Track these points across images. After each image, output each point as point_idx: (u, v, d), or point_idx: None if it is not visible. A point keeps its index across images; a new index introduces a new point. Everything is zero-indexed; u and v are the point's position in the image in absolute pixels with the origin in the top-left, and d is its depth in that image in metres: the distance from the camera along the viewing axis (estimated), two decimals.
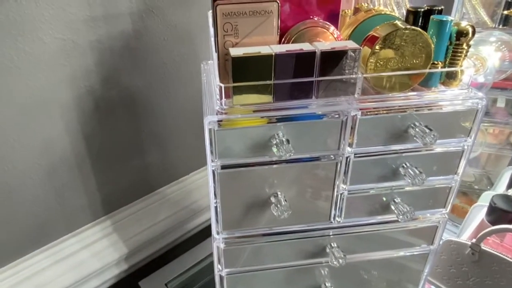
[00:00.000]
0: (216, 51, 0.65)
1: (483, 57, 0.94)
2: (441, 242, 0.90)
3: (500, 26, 1.09)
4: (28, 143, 0.86)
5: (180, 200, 1.21)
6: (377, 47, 0.61)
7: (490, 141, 1.27)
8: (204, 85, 0.76)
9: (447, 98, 0.67)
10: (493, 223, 0.87)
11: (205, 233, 1.25)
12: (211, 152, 0.64)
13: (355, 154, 0.69)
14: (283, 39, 0.67)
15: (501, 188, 1.11)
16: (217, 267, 0.80)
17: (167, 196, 1.21)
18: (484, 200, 0.94)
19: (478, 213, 0.98)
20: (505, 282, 0.82)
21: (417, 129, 0.65)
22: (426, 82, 0.67)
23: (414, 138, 0.65)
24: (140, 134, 1.07)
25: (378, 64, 0.63)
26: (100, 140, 0.98)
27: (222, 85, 0.60)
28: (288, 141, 0.62)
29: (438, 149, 0.71)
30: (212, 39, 0.67)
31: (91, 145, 0.97)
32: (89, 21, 0.85)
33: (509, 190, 0.99)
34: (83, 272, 0.99)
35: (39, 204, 0.93)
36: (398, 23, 0.63)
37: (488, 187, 1.26)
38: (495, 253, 0.82)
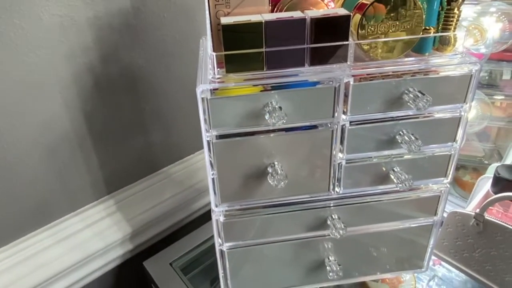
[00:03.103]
0: (209, 22, 0.68)
1: (484, 28, 0.96)
2: (445, 214, 0.93)
3: None
4: (27, 120, 0.89)
5: (185, 180, 1.25)
6: (366, 12, 0.64)
7: (499, 114, 1.29)
8: (200, 59, 0.80)
9: (441, 63, 0.70)
10: (498, 193, 0.89)
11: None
12: (205, 121, 0.67)
13: (350, 122, 0.72)
14: (275, 9, 0.70)
15: (510, 161, 1.13)
16: (217, 241, 0.83)
17: (171, 175, 1.25)
18: (491, 172, 0.96)
19: (485, 185, 1.01)
20: (510, 252, 0.84)
21: (410, 95, 0.68)
22: (419, 48, 0.70)
23: (408, 103, 0.68)
24: (142, 112, 1.10)
25: (369, 30, 0.66)
26: (101, 118, 1.02)
27: (214, 54, 0.64)
28: (280, 108, 0.65)
29: (436, 115, 0.74)
30: (207, 11, 0.71)
31: (92, 123, 1.01)
32: None
33: None
34: (86, 251, 1.03)
35: (40, 182, 0.97)
36: None
37: (499, 162, 1.29)
38: (498, 222, 0.84)
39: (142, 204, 1.16)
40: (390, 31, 0.66)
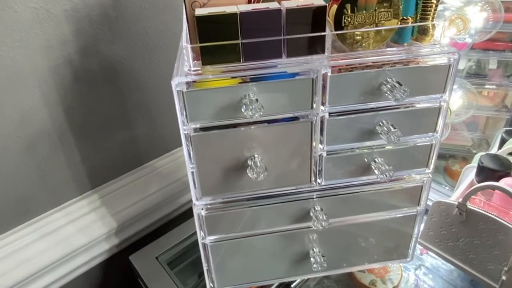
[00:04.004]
0: (185, 13, 0.68)
1: (467, 18, 0.96)
2: (430, 204, 0.94)
3: None
4: (5, 114, 0.89)
5: (171, 173, 1.25)
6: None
7: (486, 103, 1.30)
8: (179, 51, 0.79)
9: (420, 53, 0.70)
10: (482, 182, 0.90)
11: None
12: (182, 115, 0.67)
13: (329, 113, 0.72)
14: (253, 0, 0.70)
15: (496, 150, 1.14)
16: (200, 234, 0.83)
17: (157, 169, 1.25)
18: (477, 161, 0.97)
19: (470, 174, 1.01)
20: (492, 241, 0.85)
21: (388, 85, 0.68)
22: (398, 38, 0.70)
23: (386, 94, 0.69)
24: (125, 105, 1.10)
25: (346, 20, 0.66)
26: (83, 112, 1.02)
27: (188, 46, 0.64)
28: (256, 100, 0.65)
29: (417, 106, 0.75)
30: (183, 2, 0.70)
31: (72, 117, 1.00)
32: None
33: (499, 151, 1.02)
34: (70, 247, 1.03)
35: (20, 178, 0.97)
36: None
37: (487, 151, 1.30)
38: (480, 211, 0.85)
39: (128, 199, 1.16)
40: (367, 20, 0.66)
